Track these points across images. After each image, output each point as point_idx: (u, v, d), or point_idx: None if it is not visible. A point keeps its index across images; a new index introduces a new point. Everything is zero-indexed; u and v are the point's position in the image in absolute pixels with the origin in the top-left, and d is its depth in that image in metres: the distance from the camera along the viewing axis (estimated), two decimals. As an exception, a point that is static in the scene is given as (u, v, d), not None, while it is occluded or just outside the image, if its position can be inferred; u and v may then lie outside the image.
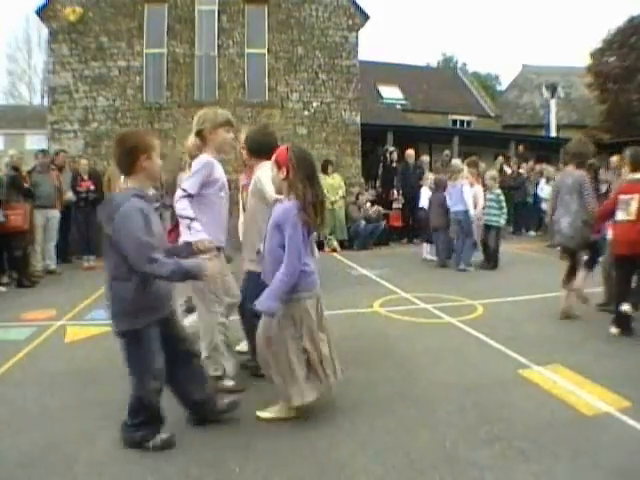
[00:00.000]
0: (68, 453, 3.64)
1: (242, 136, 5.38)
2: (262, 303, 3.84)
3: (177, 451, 3.67)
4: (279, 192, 4.12)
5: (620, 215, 6.25)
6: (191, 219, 4.26)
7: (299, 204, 3.86)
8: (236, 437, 3.87)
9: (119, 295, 3.53)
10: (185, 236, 4.24)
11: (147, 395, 3.64)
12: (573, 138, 7.54)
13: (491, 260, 10.69)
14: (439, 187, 11.42)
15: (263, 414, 4.18)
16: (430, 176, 12.76)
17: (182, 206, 4.33)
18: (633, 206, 6.09)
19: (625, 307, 5.99)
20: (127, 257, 3.38)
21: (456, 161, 11.93)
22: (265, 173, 4.53)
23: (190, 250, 3.95)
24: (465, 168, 11.05)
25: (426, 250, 12.00)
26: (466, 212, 10.52)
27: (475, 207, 10.67)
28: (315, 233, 4.23)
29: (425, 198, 12.31)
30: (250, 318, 4.66)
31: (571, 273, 6.83)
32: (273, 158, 4.07)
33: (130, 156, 3.55)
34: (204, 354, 4.46)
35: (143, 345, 3.57)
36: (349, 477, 3.36)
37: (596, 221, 6.67)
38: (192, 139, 4.79)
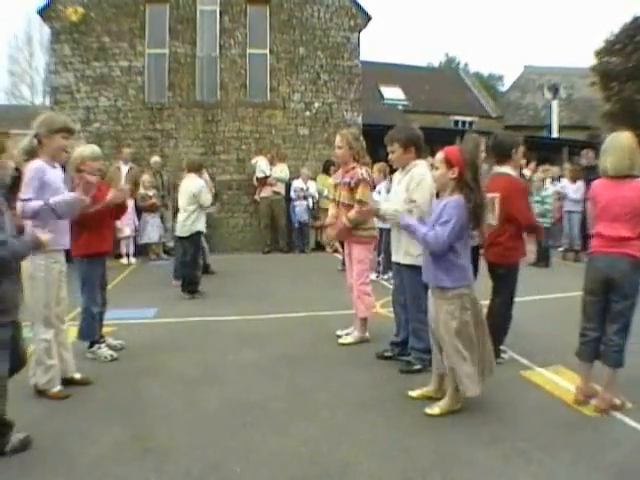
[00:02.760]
0: (69, 453, 3.64)
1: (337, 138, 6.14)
2: (404, 219, 4.35)
3: (179, 451, 3.67)
4: (443, 189, 4.23)
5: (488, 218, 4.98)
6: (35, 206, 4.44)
7: (468, 201, 4.01)
8: (238, 438, 3.87)
9: None
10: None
11: None
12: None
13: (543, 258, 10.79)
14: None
15: (432, 411, 4.23)
16: None
17: (28, 209, 4.51)
18: (496, 207, 5.10)
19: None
20: None
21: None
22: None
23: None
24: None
25: None
26: None
27: None
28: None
29: None
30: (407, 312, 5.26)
31: None
32: (443, 156, 4.19)
33: None
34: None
35: None
36: (351, 478, 3.36)
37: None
38: (27, 142, 4.73)
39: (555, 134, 25.27)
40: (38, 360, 4.53)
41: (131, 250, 12.72)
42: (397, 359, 5.39)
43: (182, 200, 8.66)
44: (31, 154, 4.66)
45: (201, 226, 8.75)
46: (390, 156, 5.41)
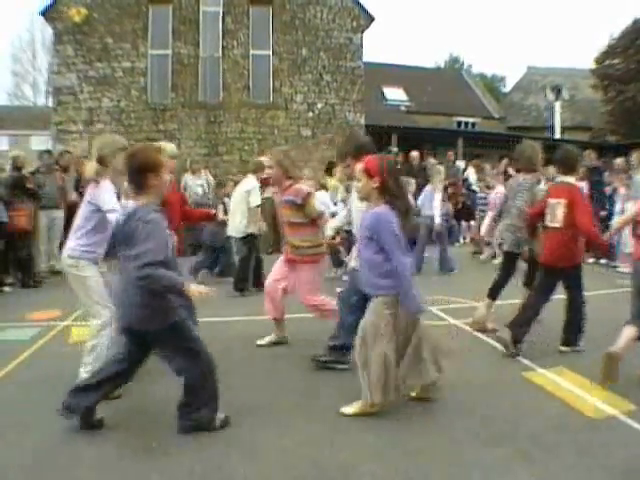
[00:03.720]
0: (73, 453, 3.65)
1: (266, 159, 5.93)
2: (410, 308, 4.03)
3: (182, 450, 3.67)
4: (366, 199, 4.25)
5: (547, 220, 5.81)
6: None
7: (393, 209, 4.03)
8: (241, 438, 3.87)
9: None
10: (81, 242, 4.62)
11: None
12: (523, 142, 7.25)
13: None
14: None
15: (347, 410, 4.24)
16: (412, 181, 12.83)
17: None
18: (560, 212, 5.62)
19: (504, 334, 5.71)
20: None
21: (437, 166, 12.04)
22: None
23: None
24: (472, 170, 11.18)
25: None
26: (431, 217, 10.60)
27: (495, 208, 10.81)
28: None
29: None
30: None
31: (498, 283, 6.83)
32: (363, 167, 4.19)
33: (140, 174, 3.70)
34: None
35: None
36: (353, 479, 3.36)
37: (526, 226, 6.28)
38: (92, 165, 4.82)
39: (558, 135, 25.25)
40: (98, 353, 4.66)
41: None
42: (331, 366, 5.25)
43: (235, 201, 8.82)
44: (99, 175, 4.74)
45: (254, 228, 8.83)
46: (346, 171, 5.32)
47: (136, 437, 3.90)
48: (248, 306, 7.90)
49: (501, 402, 4.48)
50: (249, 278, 9.11)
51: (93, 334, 4.74)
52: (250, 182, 8.79)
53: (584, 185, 12.65)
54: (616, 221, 6.10)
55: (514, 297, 6.80)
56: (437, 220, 10.62)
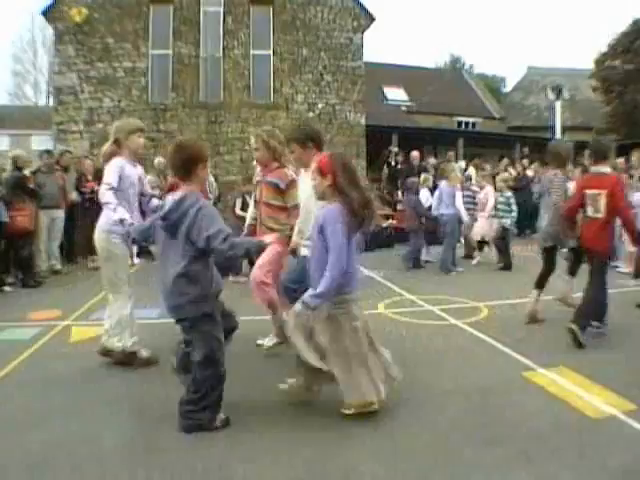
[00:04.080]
0: (73, 453, 3.65)
1: (252, 140, 5.99)
2: (307, 299, 4.00)
3: (183, 450, 3.68)
4: (322, 198, 4.25)
5: (590, 212, 6.10)
6: (115, 206, 5.06)
7: (344, 207, 4.02)
8: (242, 439, 3.87)
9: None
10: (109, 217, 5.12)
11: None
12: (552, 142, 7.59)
13: (505, 261, 10.75)
14: (411, 190, 11.50)
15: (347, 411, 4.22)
16: (422, 176, 12.80)
17: (107, 198, 5.12)
18: (601, 202, 5.95)
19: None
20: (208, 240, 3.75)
21: (452, 163, 11.98)
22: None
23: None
24: (473, 170, 11.12)
25: (424, 252, 11.95)
26: (454, 215, 10.53)
27: (485, 208, 10.74)
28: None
29: (424, 199, 12.27)
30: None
31: (543, 276, 6.88)
32: (315, 166, 4.21)
33: (190, 164, 3.98)
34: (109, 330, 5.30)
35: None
36: None
37: (565, 220, 6.47)
38: (107, 146, 5.40)
39: (558, 135, 25.23)
40: (122, 325, 5.26)
41: (134, 250, 12.72)
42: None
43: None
44: (110, 157, 5.32)
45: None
46: (291, 157, 5.42)
47: (137, 436, 3.90)
48: (250, 305, 7.89)
49: (501, 402, 4.47)
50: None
51: (114, 310, 5.30)
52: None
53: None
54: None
55: (555, 293, 6.89)
56: (465, 218, 10.61)
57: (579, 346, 5.65)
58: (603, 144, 6.38)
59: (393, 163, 15.73)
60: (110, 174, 5.17)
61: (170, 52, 15.23)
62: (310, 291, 4.05)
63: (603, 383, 4.72)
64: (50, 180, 10.40)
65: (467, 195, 12.87)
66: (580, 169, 13.37)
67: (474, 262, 11.59)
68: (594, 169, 6.22)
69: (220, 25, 15.47)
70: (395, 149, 16.46)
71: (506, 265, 10.69)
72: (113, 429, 4.00)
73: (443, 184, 10.85)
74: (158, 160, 13.43)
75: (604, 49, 25.86)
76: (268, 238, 4.15)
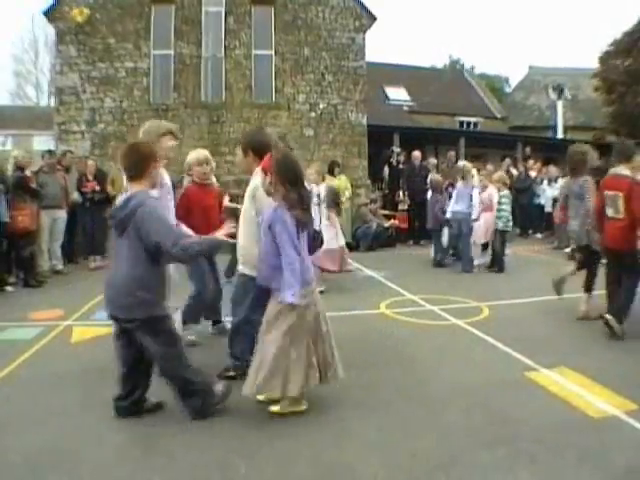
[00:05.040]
0: (74, 453, 3.65)
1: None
2: (284, 297, 4.06)
3: (184, 451, 3.68)
4: (269, 195, 4.42)
5: (610, 212, 6.29)
6: None
7: (285, 204, 4.14)
8: (243, 438, 3.87)
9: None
10: None
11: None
12: (573, 146, 7.48)
13: (497, 263, 10.68)
14: (436, 189, 11.50)
15: (274, 408, 4.27)
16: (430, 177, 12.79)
17: None
18: (620, 203, 6.14)
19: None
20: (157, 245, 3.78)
21: (465, 162, 11.90)
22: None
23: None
24: (474, 170, 11.08)
25: (479, 255, 11.90)
26: (469, 214, 10.49)
27: (491, 209, 10.70)
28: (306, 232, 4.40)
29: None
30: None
31: (589, 277, 6.97)
32: (261, 166, 4.45)
33: (143, 163, 4.03)
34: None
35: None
36: (355, 479, 3.36)
37: (595, 222, 6.63)
38: None
39: (560, 135, 25.23)
40: None
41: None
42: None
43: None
44: None
45: None
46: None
47: (137, 436, 3.90)
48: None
49: (503, 402, 4.47)
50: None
51: None
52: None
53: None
54: None
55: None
56: (474, 216, 10.60)
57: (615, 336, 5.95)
58: (627, 146, 6.55)
59: (395, 163, 15.72)
60: None
61: (172, 52, 15.22)
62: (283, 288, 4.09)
63: (604, 383, 4.72)
64: (52, 180, 10.41)
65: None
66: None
67: (476, 262, 11.58)
68: (613, 170, 6.38)
69: (222, 25, 15.45)
70: (397, 149, 16.44)
71: (499, 268, 10.60)
72: (114, 429, 4.00)
73: (459, 185, 10.80)
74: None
75: (607, 48, 25.78)
76: (220, 233, 4.18)
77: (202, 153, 6.40)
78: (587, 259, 6.92)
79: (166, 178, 5.22)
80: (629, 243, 6.07)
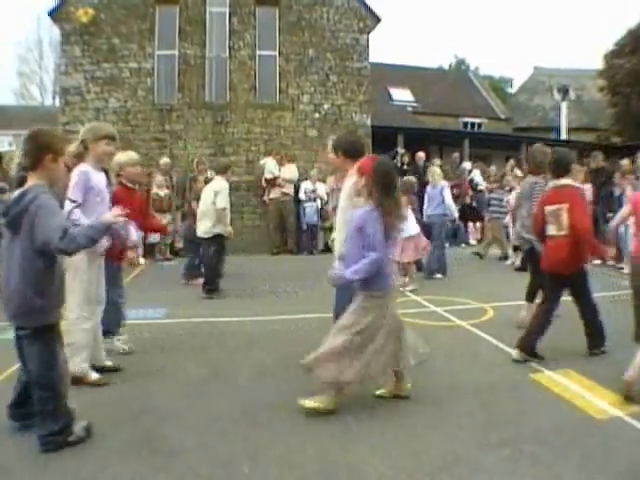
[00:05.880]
0: (78, 453, 3.64)
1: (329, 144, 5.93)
2: (345, 273, 4.24)
3: (189, 451, 3.68)
4: (357, 196, 4.47)
5: (551, 230, 5.59)
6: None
7: (380, 210, 4.20)
8: (247, 438, 3.87)
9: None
10: None
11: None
12: (536, 146, 7.23)
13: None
14: (408, 191, 11.44)
15: (308, 403, 4.29)
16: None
17: (76, 217, 4.74)
18: (564, 217, 5.42)
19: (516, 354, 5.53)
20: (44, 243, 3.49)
21: (433, 166, 11.98)
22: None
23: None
24: (477, 172, 11.13)
25: (513, 256, 11.88)
26: (444, 215, 10.46)
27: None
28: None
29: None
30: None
31: (532, 284, 6.86)
32: (356, 166, 4.45)
33: (37, 153, 3.72)
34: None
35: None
36: (360, 479, 3.36)
37: (536, 232, 6.00)
38: (74, 147, 5.15)
39: (564, 136, 25.19)
40: (77, 347, 4.70)
41: (140, 250, 12.77)
42: None
43: (204, 201, 8.70)
44: (79, 158, 5.06)
45: (221, 229, 8.80)
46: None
47: (140, 437, 3.90)
48: (251, 307, 7.91)
49: (508, 403, 4.47)
50: (219, 279, 9.06)
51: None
52: (219, 183, 8.70)
53: (588, 187, 12.67)
54: (613, 221, 6.00)
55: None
56: (455, 215, 10.56)
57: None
58: (564, 157, 5.82)
59: (399, 164, 15.72)
60: (75, 188, 4.88)
61: (176, 53, 15.25)
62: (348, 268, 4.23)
63: (608, 385, 4.71)
64: (65, 179, 10.40)
65: (494, 198, 12.88)
66: (585, 171, 13.42)
67: (508, 262, 11.64)
68: (553, 183, 5.73)
69: (226, 26, 15.48)
70: (401, 150, 16.44)
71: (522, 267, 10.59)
72: (116, 430, 4.00)
73: (429, 188, 10.75)
74: (164, 161, 13.48)
75: (612, 47, 25.71)
76: (110, 214, 4.00)
77: (134, 154, 6.21)
78: (533, 263, 6.63)
79: (96, 180, 4.94)
80: (576, 263, 5.49)
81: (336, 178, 6.13)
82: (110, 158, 5.23)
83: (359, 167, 4.42)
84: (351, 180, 4.91)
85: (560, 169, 5.64)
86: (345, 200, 5.00)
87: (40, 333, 3.63)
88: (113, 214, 3.99)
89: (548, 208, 5.57)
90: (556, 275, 5.57)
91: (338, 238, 4.96)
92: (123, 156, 5.89)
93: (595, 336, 5.64)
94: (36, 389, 3.66)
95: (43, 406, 3.65)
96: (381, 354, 4.29)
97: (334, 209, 5.99)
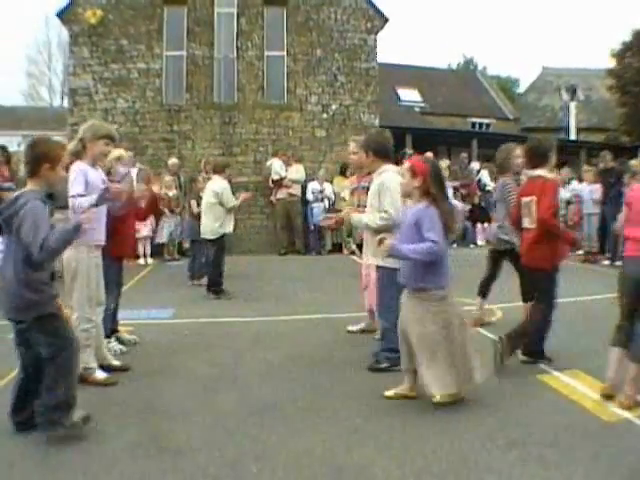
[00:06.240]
0: (86, 451, 3.66)
1: (351, 145, 6.22)
2: (401, 247, 4.25)
3: (197, 450, 3.69)
4: (407, 196, 4.50)
5: (526, 222, 5.41)
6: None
7: (438, 210, 4.23)
8: (255, 438, 3.87)
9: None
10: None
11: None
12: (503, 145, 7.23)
13: None
14: None
15: (389, 393, 4.46)
16: None
17: (80, 203, 4.93)
18: (533, 210, 5.25)
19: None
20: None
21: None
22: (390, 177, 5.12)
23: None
24: (486, 172, 11.09)
25: None
26: None
27: None
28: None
29: None
30: None
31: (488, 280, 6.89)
32: (408, 165, 4.38)
33: (35, 162, 3.87)
34: None
35: None
36: (366, 480, 3.36)
37: (514, 228, 5.91)
38: (72, 145, 5.16)
39: (573, 136, 25.09)
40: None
41: (148, 250, 12.81)
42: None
43: (206, 201, 8.69)
44: (76, 156, 5.05)
45: (228, 228, 8.80)
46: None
47: (148, 436, 3.91)
48: (258, 307, 7.92)
49: (516, 405, 4.46)
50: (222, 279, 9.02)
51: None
52: (218, 183, 8.68)
53: (597, 188, 12.63)
54: (618, 222, 5.78)
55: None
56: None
57: (501, 362, 5.10)
58: (539, 145, 5.52)
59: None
60: (75, 183, 5.01)
61: (184, 53, 15.28)
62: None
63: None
64: (65, 180, 10.42)
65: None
66: (594, 171, 13.36)
67: None
68: (530, 174, 5.52)
69: (234, 26, 15.49)
70: (409, 151, 16.41)
71: None
72: (124, 429, 4.01)
73: None
74: (172, 161, 13.51)
75: (621, 45, 25.55)
76: (82, 217, 4.06)
77: (123, 151, 6.25)
78: (515, 264, 6.40)
79: (92, 177, 5.04)
80: (542, 258, 5.23)
81: (359, 177, 6.12)
82: (105, 158, 5.31)
83: (412, 168, 4.33)
84: (381, 178, 5.07)
85: (535, 159, 5.42)
86: (373, 197, 5.15)
87: (41, 319, 3.76)
88: (81, 217, 4.09)
89: (523, 200, 5.44)
90: (529, 270, 5.49)
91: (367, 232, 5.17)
92: (113, 153, 5.75)
93: (515, 339, 5.23)
94: (50, 367, 3.76)
95: (49, 398, 3.73)
96: (466, 356, 4.39)
97: (358, 207, 5.97)
